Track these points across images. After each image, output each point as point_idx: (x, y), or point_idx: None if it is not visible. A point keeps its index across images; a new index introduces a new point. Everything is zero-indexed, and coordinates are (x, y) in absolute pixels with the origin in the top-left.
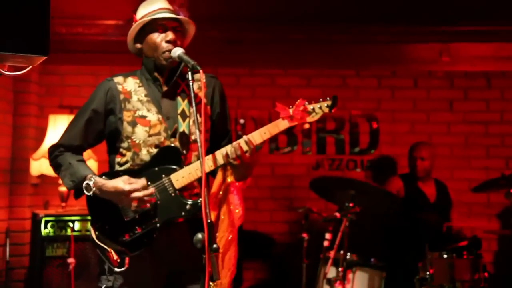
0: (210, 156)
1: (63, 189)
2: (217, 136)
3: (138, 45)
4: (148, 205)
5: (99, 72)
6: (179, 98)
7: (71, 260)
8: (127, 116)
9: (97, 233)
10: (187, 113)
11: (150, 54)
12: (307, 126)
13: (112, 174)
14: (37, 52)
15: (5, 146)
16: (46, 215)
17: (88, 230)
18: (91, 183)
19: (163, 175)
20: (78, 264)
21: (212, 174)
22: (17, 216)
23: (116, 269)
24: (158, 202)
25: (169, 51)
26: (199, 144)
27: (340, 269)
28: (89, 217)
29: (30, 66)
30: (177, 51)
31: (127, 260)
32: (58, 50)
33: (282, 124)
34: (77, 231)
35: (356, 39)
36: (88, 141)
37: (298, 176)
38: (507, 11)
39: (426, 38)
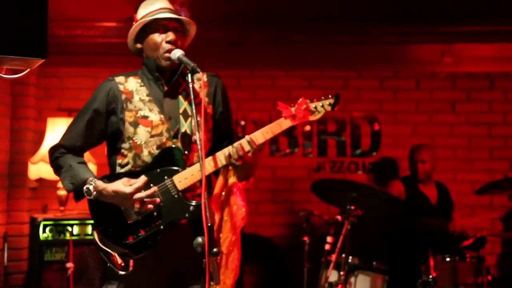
0: (212, 157)
1: (61, 193)
2: (220, 135)
3: (139, 45)
4: (152, 206)
5: (98, 75)
6: (180, 98)
7: (70, 264)
8: (128, 116)
9: (100, 236)
10: (189, 113)
11: (151, 54)
12: (308, 127)
13: (113, 177)
14: (35, 55)
15: (3, 150)
16: (45, 219)
17: (87, 234)
18: (91, 187)
19: (166, 177)
20: (77, 269)
21: (215, 174)
22: (15, 220)
23: (120, 272)
24: (161, 204)
25: (170, 51)
26: (199, 146)
27: (342, 273)
28: (88, 221)
29: (28, 69)
30: (177, 53)
31: (131, 263)
32: (57, 52)
33: (284, 123)
34: (76, 235)
35: (357, 40)
36: (90, 142)
37: (299, 178)
38: (510, 11)
39: (428, 38)
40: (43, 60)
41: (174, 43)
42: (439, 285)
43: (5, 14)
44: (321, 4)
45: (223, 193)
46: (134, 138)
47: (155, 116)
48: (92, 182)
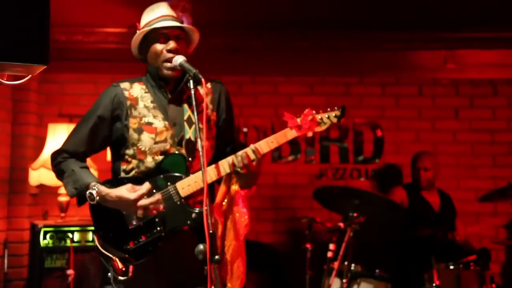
0: (215, 165)
1: (62, 199)
2: (223, 142)
3: (142, 55)
4: (155, 211)
5: (99, 80)
6: (185, 105)
7: (70, 271)
8: (133, 123)
9: (101, 241)
10: (193, 120)
11: (153, 63)
12: (310, 134)
13: (116, 181)
14: (37, 62)
15: (3, 156)
16: (45, 226)
17: (88, 241)
18: (94, 192)
19: (169, 183)
20: (78, 276)
21: (218, 182)
22: (16, 227)
23: (120, 278)
24: (164, 210)
25: (170, 60)
26: (200, 154)
27: (344, 281)
28: (89, 228)
29: (30, 75)
30: (179, 59)
31: (131, 268)
32: (58, 58)
33: (290, 134)
34: (77, 242)
35: (359, 46)
36: (93, 148)
37: (301, 185)
38: None
39: (430, 45)
40: (45, 67)
41: (175, 51)
42: None
43: (6, 20)
44: (323, 10)
45: (226, 201)
46: (138, 145)
47: (159, 123)
48: (95, 187)
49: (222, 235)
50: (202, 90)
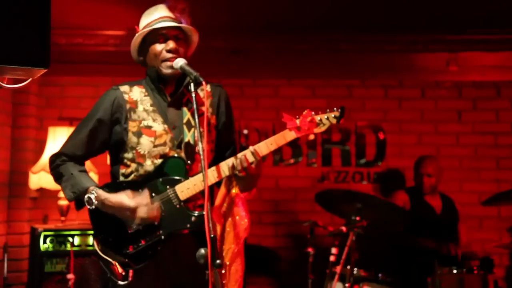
0: (215, 168)
1: (62, 203)
2: (222, 146)
3: (142, 57)
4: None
5: (99, 83)
6: (184, 108)
7: (70, 276)
8: (132, 126)
9: (100, 245)
10: (193, 123)
11: (153, 64)
12: (312, 136)
13: (114, 185)
14: (37, 65)
15: (3, 159)
16: (45, 230)
17: (88, 245)
18: (92, 196)
19: (168, 186)
20: (78, 280)
21: (217, 185)
22: (15, 231)
23: (120, 282)
24: (163, 214)
25: (170, 60)
26: (201, 157)
27: (347, 285)
28: (89, 232)
29: (30, 79)
30: (179, 62)
31: (131, 272)
32: (58, 61)
33: (289, 135)
34: (77, 246)
35: (361, 48)
36: (92, 151)
37: (303, 188)
38: None
39: (433, 47)
40: (45, 70)
41: (175, 51)
42: None
43: (6, 24)
44: (324, 12)
45: (225, 204)
46: (137, 148)
47: (158, 126)
48: (93, 192)
49: (221, 238)
50: (202, 93)
